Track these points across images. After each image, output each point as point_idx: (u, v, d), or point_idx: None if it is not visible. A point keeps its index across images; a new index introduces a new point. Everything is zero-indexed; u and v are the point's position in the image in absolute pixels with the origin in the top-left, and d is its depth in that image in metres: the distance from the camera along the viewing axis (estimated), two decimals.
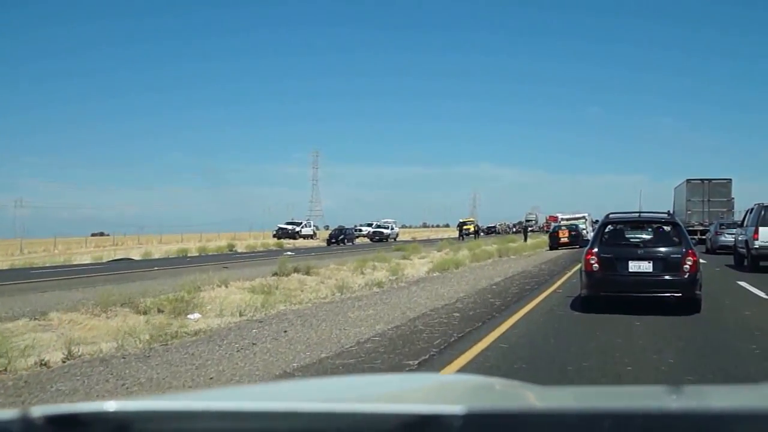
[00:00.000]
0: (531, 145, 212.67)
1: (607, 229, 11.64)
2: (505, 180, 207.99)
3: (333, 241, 56.93)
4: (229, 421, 1.18)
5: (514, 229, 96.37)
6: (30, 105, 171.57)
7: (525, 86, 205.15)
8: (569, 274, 18.31)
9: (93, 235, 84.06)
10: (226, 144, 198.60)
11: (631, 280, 10.43)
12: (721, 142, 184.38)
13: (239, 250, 45.77)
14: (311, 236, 64.80)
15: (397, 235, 70.53)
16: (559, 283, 15.90)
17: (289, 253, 34.17)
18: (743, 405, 1.30)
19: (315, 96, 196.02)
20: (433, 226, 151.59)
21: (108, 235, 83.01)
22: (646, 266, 10.44)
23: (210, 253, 41.86)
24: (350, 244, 56.31)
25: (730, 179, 39.42)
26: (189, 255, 40.08)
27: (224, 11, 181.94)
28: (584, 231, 39.98)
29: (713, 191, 38.46)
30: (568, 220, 42.36)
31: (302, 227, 65.47)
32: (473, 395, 1.61)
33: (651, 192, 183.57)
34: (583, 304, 11.03)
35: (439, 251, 35.21)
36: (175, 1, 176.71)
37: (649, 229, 12.40)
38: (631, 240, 12.08)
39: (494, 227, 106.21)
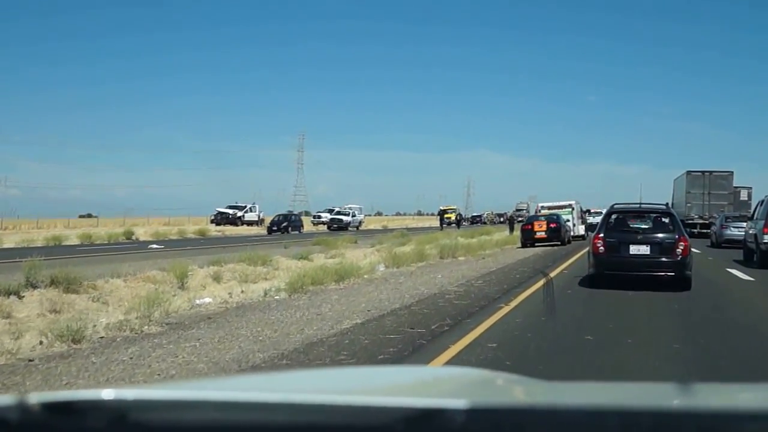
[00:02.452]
0: (529, 133, 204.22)
1: (612, 218, 12.96)
2: (503, 167, 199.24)
3: (274, 229, 47.74)
4: (228, 412, 1.13)
5: (501, 220, 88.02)
6: (24, 91, 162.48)
7: (523, 75, 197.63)
8: (501, 314, 9.14)
9: (81, 216, 79.86)
10: (221, 127, 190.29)
11: (632, 261, 11.88)
12: (723, 132, 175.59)
13: (141, 238, 36.79)
14: (256, 222, 55.39)
15: (361, 223, 61.55)
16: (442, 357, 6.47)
17: (154, 246, 25.33)
18: (755, 404, 1.28)
19: (309, 82, 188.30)
20: (428, 214, 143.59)
21: (96, 216, 78.88)
22: (644, 249, 11.88)
23: (95, 242, 32.84)
24: (296, 232, 47.26)
25: (732, 172, 37.98)
26: (65, 244, 31.12)
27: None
28: (569, 223, 30.86)
29: (714, 184, 36.97)
30: (549, 209, 33.11)
31: (245, 212, 56.08)
32: (475, 389, 1.58)
33: (650, 183, 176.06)
34: None
35: (372, 246, 26.45)
36: None
37: (648, 219, 13.15)
38: (632, 227, 12.87)
39: (480, 216, 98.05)
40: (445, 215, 66.00)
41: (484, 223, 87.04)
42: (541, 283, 12.66)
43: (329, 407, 1.12)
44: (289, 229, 48.17)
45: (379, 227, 64.86)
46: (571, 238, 29.44)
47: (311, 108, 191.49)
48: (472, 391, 1.54)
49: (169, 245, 27.74)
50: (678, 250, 11.58)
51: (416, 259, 19.28)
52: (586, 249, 25.34)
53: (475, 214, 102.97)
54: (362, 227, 60.34)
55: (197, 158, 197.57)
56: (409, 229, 58.10)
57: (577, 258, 20.25)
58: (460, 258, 20.97)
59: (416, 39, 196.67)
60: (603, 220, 13.09)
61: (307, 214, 77.72)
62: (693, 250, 25.24)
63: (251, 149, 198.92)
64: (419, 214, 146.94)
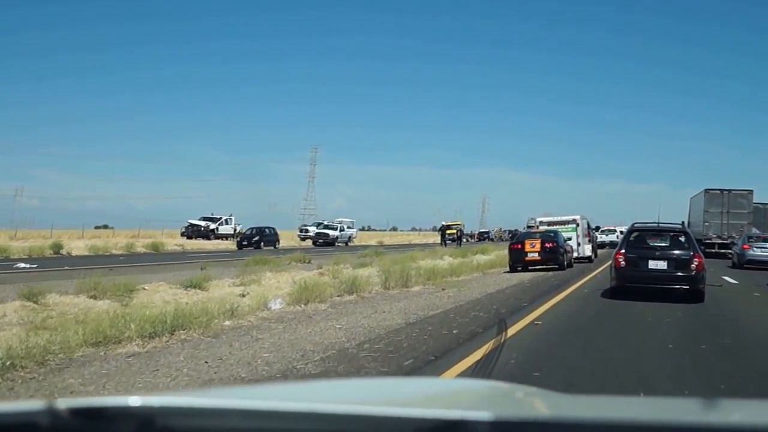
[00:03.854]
0: (546, 151, 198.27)
1: (632, 236, 13.86)
2: (520, 184, 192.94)
3: (245, 243, 42.45)
4: (253, 420, 1.14)
5: (509, 236, 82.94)
6: (44, 101, 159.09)
7: (542, 94, 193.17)
8: None
9: (97, 227, 76.86)
10: (240, 139, 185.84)
11: (650, 275, 12.78)
12: (741, 153, 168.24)
13: (75, 252, 31.66)
14: (231, 236, 50.00)
15: (350, 238, 56.18)
16: None
17: (22, 265, 20.08)
18: None
19: (328, 97, 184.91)
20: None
21: (112, 228, 76.85)
22: (662, 265, 12.81)
23: (10, 257, 27.70)
24: (270, 247, 41.92)
25: (751, 190, 36.49)
26: None
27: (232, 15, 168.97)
28: (571, 243, 25.19)
29: (733, 202, 35.41)
30: (549, 224, 27.41)
31: (220, 224, 50.76)
32: (496, 401, 1.57)
33: (666, 202, 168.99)
34: None
35: (319, 268, 21.03)
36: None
37: (666, 237, 13.68)
38: (651, 244, 13.58)
39: (488, 233, 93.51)
40: (448, 231, 61.52)
41: (492, 239, 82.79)
42: (481, 353, 7.15)
43: (355, 417, 1.13)
44: (262, 243, 42.87)
45: (373, 243, 59.45)
46: (572, 261, 23.70)
47: (330, 123, 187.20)
48: (493, 403, 1.54)
49: (64, 263, 22.47)
50: (692, 265, 12.64)
51: (345, 289, 13.90)
52: (587, 277, 19.87)
53: (483, 230, 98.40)
54: (353, 242, 55.03)
55: (217, 170, 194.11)
56: (406, 246, 52.76)
57: (571, 292, 14.70)
58: (414, 288, 15.49)
59: (436, 58, 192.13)
60: (624, 237, 14.23)
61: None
62: (726, 279, 20.01)
63: (270, 162, 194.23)
64: (434, 229, 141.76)
